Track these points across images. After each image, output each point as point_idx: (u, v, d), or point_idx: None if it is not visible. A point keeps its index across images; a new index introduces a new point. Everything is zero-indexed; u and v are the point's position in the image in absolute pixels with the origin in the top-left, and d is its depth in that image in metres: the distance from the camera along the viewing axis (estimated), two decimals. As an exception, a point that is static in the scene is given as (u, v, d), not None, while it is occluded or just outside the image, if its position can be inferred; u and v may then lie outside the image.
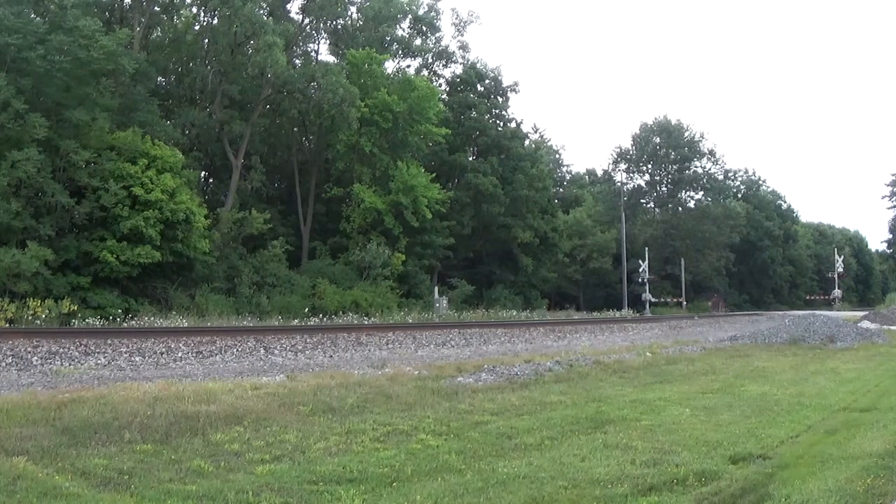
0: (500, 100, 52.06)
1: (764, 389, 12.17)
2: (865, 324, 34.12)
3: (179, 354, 15.46)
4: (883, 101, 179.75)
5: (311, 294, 32.77)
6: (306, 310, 30.30)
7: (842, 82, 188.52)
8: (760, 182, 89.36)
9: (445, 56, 51.82)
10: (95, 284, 25.38)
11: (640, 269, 55.82)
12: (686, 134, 72.38)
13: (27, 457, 6.02)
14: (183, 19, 39.83)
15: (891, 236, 77.98)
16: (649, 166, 73.24)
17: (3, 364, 12.76)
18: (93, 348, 14.80)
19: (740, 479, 6.14)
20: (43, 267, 23.21)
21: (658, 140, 72.26)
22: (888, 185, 71.16)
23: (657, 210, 74.33)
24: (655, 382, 13.05)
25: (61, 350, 14.30)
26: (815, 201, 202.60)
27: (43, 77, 25.09)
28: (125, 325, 21.99)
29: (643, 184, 73.67)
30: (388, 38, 47.46)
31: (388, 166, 39.64)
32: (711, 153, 73.44)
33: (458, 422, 8.60)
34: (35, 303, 21.47)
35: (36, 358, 13.47)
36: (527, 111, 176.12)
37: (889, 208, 78.06)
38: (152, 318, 23.38)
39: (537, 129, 65.87)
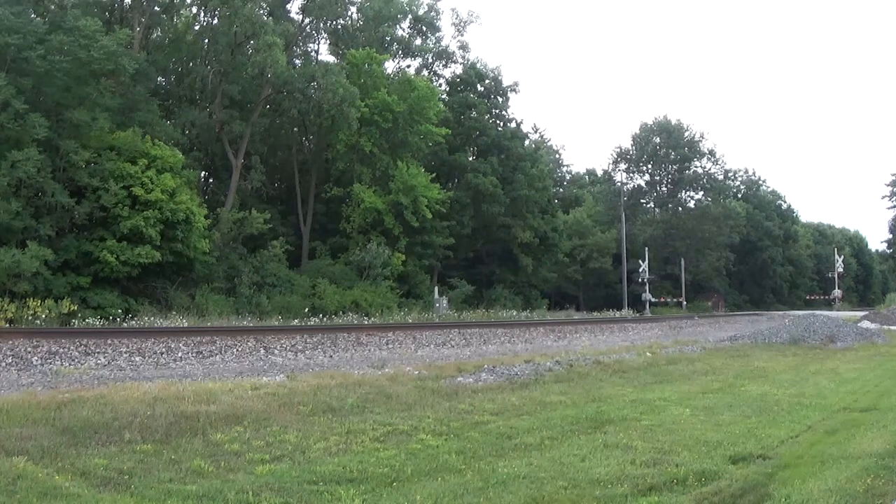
0: (499, 100, 52.09)
1: (764, 389, 12.18)
2: (865, 324, 34.13)
3: (179, 354, 15.46)
4: (883, 101, 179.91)
5: (311, 294, 32.76)
6: (306, 310, 30.28)
7: (842, 82, 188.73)
8: (760, 182, 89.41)
9: (445, 56, 51.83)
10: (95, 284, 25.39)
11: (640, 269, 55.82)
12: (686, 134, 72.37)
13: (27, 457, 6.02)
14: (183, 19, 39.83)
15: (891, 236, 77.95)
16: (649, 166, 73.22)
17: (3, 364, 12.76)
18: (93, 348, 14.79)
19: (740, 479, 6.14)
20: (43, 267, 23.21)
21: (658, 140, 72.24)
22: (888, 185, 71.22)
23: (657, 210, 74.29)
24: (655, 382, 13.05)
25: (61, 350, 14.29)
26: (815, 201, 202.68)
27: (43, 77, 25.08)
28: (125, 325, 21.98)
29: (643, 184, 73.68)
30: (388, 38, 47.47)
31: (388, 166, 39.63)
32: (711, 153, 73.47)
33: (458, 422, 8.60)
34: (35, 303, 21.47)
35: (36, 358, 13.47)
36: (527, 111, 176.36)
37: (889, 208, 78.22)
38: (152, 318, 23.38)
39: (537, 129, 66.08)
